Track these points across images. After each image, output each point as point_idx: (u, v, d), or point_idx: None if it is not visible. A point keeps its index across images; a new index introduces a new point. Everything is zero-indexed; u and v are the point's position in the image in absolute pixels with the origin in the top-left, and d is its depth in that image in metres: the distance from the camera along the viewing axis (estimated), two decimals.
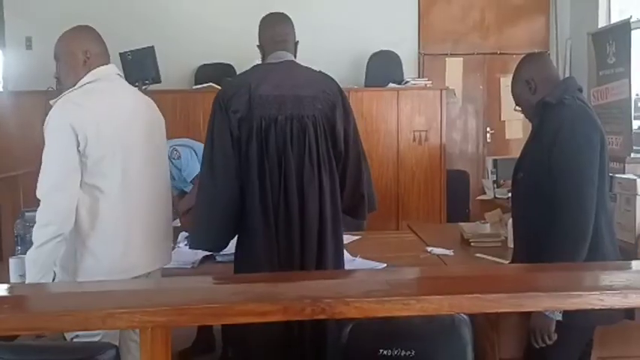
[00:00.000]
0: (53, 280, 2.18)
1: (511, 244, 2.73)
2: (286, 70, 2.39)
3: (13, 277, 2.49)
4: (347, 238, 3.16)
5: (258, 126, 2.29)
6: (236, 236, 2.37)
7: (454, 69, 6.35)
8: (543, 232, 2.09)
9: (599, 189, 2.09)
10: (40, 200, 2.12)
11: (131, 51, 4.92)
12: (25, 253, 2.26)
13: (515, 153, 2.91)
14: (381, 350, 1.89)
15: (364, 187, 2.47)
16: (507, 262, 2.69)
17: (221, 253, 2.66)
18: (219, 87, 4.46)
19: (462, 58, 6.36)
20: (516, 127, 6.16)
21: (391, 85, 5.74)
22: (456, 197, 5.67)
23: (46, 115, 2.17)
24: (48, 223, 2.09)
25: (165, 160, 2.51)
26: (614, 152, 4.32)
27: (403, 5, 6.29)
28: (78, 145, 2.13)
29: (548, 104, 2.19)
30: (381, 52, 6.09)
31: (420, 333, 1.91)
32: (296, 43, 2.47)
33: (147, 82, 4.88)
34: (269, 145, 2.28)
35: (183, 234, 3.08)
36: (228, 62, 5.87)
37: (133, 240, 2.23)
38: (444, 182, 5.69)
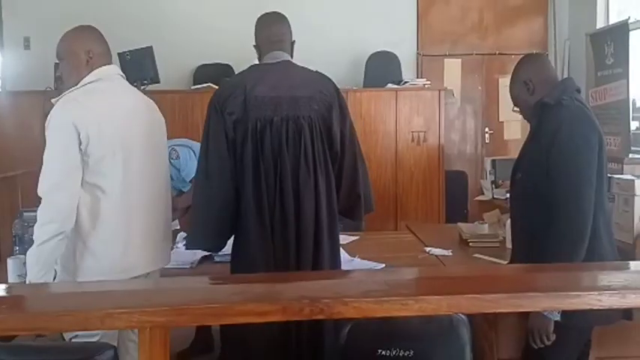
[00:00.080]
0: (54, 279, 2.18)
1: (509, 245, 2.73)
2: (283, 71, 2.38)
3: (12, 277, 2.49)
4: (345, 239, 3.17)
5: (254, 127, 2.29)
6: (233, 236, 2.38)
7: (453, 70, 6.35)
8: (541, 232, 2.10)
9: (597, 190, 2.09)
10: (40, 199, 2.13)
11: (129, 51, 4.91)
12: (23, 253, 2.27)
13: (514, 153, 2.91)
14: (379, 350, 1.89)
15: (360, 187, 2.47)
16: (506, 262, 2.69)
17: (220, 253, 2.66)
18: (217, 87, 4.46)
19: (460, 59, 6.36)
20: (515, 128, 6.17)
21: (390, 85, 5.74)
22: (455, 198, 5.68)
23: (45, 114, 2.17)
24: (50, 221, 2.10)
25: (165, 160, 2.51)
26: (612, 153, 4.33)
27: (402, 6, 6.30)
28: (80, 144, 2.13)
29: (547, 105, 2.20)
30: (380, 52, 6.10)
31: (418, 333, 1.92)
32: (292, 43, 2.47)
33: (145, 82, 4.87)
34: (264, 147, 2.29)
35: (182, 234, 3.08)
36: (227, 62, 5.87)
37: (133, 240, 2.24)
38: (442, 183, 5.69)
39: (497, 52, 6.34)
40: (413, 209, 5.67)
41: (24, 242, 2.67)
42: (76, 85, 2.25)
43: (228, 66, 5.85)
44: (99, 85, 2.26)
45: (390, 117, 5.68)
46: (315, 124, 2.33)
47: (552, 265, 1.81)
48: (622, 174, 3.71)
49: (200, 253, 2.79)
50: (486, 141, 6.38)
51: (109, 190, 2.18)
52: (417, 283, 1.46)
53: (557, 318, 2.05)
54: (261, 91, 2.31)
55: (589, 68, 5.40)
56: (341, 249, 2.60)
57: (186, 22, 5.98)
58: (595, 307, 1.19)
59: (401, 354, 1.88)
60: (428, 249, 3.06)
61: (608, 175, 2.46)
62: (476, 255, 2.96)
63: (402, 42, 6.24)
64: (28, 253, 2.16)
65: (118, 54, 4.75)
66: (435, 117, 5.71)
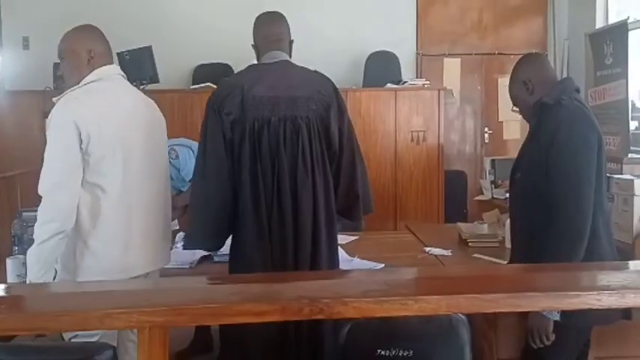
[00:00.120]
0: (54, 278, 2.18)
1: (509, 245, 2.73)
2: (281, 71, 2.38)
3: (11, 277, 2.49)
4: (345, 238, 3.17)
5: (251, 127, 2.28)
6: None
7: (452, 69, 6.36)
8: (541, 232, 2.10)
9: (596, 189, 2.09)
10: (41, 198, 2.12)
11: (129, 51, 4.91)
12: (22, 253, 2.26)
13: (513, 153, 2.91)
14: (379, 350, 1.89)
15: (359, 186, 2.47)
16: (505, 262, 2.69)
17: (219, 253, 2.66)
18: (216, 87, 4.46)
19: (459, 59, 6.36)
20: (514, 128, 6.17)
21: (389, 85, 5.75)
22: (454, 197, 5.68)
23: (45, 114, 2.18)
24: (50, 220, 2.10)
25: (165, 160, 2.51)
26: (611, 153, 4.34)
27: (401, 6, 6.30)
28: (80, 143, 2.13)
29: (546, 105, 2.20)
30: (379, 52, 6.10)
31: (417, 333, 1.92)
32: (291, 42, 2.46)
33: (145, 81, 4.87)
34: (262, 147, 2.28)
35: (181, 234, 3.07)
36: (226, 62, 5.86)
37: (133, 239, 2.24)
38: (441, 182, 5.70)
39: (496, 52, 6.34)
40: (412, 209, 5.67)
41: (23, 242, 2.67)
42: (77, 84, 2.25)
43: (227, 66, 5.85)
44: (100, 84, 2.26)
45: (390, 117, 5.68)
46: (312, 124, 2.33)
47: (551, 265, 1.81)
48: (621, 174, 3.71)
49: (199, 253, 2.79)
50: (486, 141, 6.38)
51: (109, 189, 2.18)
52: (417, 283, 1.46)
53: (557, 318, 2.05)
54: (259, 91, 2.30)
55: (588, 68, 5.40)
56: (340, 249, 2.60)
57: (185, 21, 5.98)
58: (594, 307, 1.19)
59: (400, 354, 1.88)
60: (427, 249, 3.06)
61: (608, 175, 2.46)
62: (475, 255, 2.96)
63: (401, 42, 6.24)
64: (28, 252, 2.16)
65: (118, 53, 4.74)
66: (434, 117, 5.71)
